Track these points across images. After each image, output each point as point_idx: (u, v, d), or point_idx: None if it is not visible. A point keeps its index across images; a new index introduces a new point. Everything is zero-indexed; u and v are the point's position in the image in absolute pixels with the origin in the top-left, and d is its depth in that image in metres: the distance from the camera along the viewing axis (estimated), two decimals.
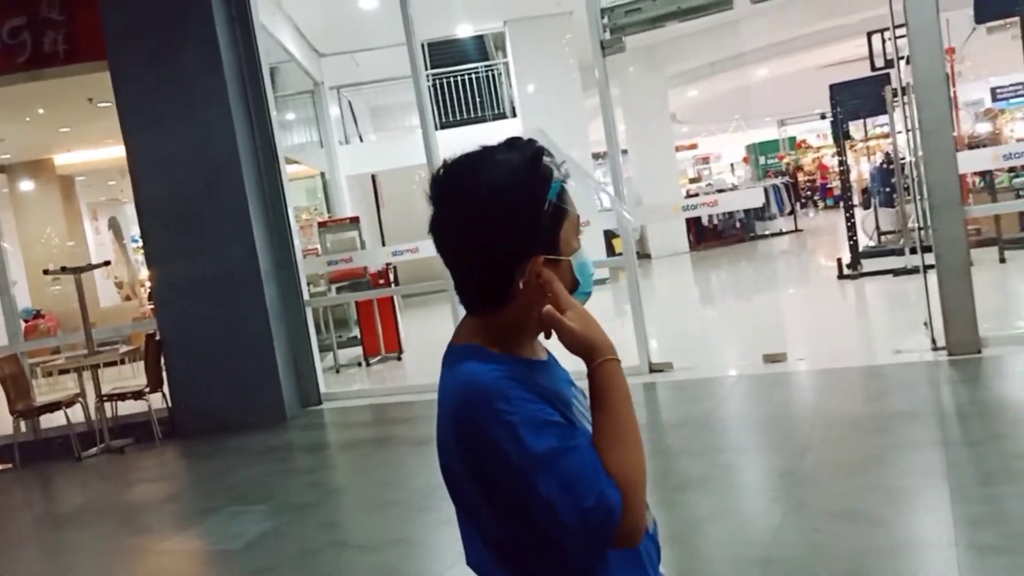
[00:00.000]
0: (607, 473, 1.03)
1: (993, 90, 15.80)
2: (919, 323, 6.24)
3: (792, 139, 27.73)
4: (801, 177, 24.17)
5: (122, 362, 8.92)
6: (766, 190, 16.84)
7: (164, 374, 7.29)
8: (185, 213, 7.11)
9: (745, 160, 28.16)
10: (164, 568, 4.45)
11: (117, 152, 7.23)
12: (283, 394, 7.18)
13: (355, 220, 9.68)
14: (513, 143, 1.15)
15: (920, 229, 6.58)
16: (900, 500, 3.70)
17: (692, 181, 25.08)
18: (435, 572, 3.65)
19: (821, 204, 24.05)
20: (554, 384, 1.18)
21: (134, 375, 8.33)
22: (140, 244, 7.42)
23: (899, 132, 7.91)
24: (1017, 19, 9.87)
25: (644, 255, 17.22)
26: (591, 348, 1.10)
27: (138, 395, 7.12)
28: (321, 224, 9.67)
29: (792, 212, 18.25)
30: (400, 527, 4.29)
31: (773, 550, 3.36)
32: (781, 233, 17.66)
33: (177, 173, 7.10)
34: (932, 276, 5.86)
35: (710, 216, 16.89)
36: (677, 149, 25.55)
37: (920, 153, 5.74)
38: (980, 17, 10.91)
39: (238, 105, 7.16)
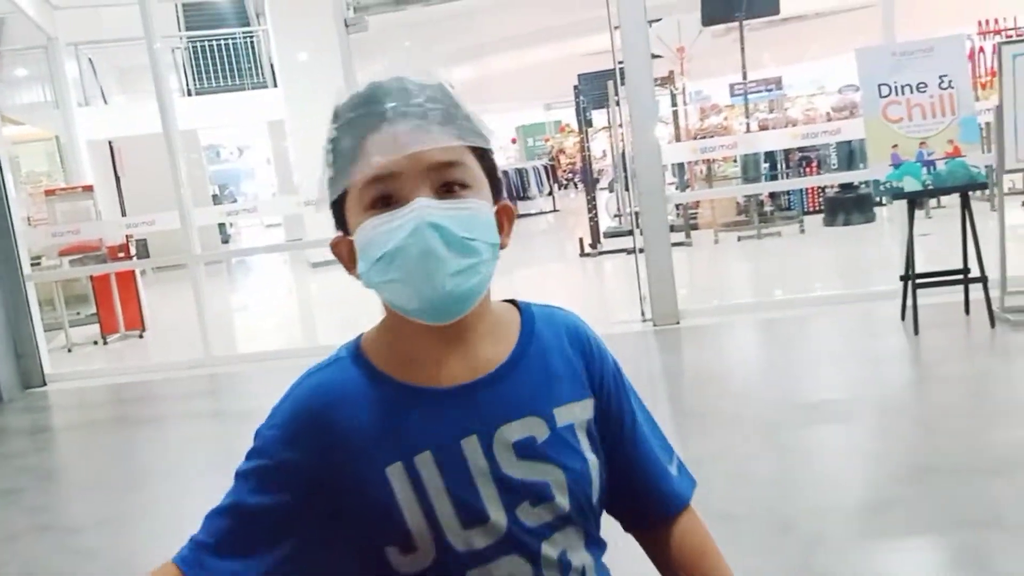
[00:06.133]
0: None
1: (731, 86, 17.48)
2: (637, 297, 6.91)
3: (558, 122, 29.04)
4: (564, 159, 25.44)
5: None
6: (523, 171, 17.60)
7: None
8: None
9: (513, 141, 29.15)
10: None
11: None
12: None
13: (88, 188, 9.08)
14: None
15: (635, 213, 7.25)
16: None
17: None
18: (135, 550, 3.64)
19: (580, 186, 25.47)
20: (405, 430, 0.89)
21: None
22: None
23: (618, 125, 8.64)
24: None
25: None
26: None
27: None
28: (48, 192, 8.98)
29: (551, 193, 19.24)
30: (108, 508, 4.20)
31: None
32: (540, 213, 18.57)
33: None
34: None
35: None
36: None
37: (630, 144, 6.34)
38: (706, 20, 12.06)
39: None
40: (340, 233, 0.91)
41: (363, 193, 0.86)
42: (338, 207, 0.90)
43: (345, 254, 0.90)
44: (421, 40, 16.47)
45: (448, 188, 0.86)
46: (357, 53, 7.45)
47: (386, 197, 0.85)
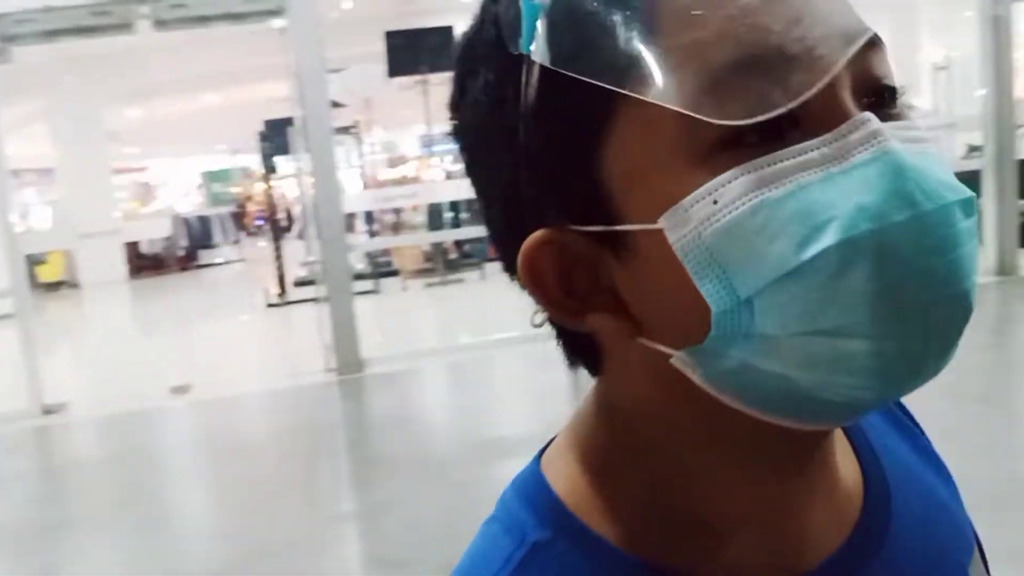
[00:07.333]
0: None
1: (420, 137, 18.03)
2: (322, 347, 6.80)
3: (245, 168, 28.03)
4: (253, 207, 24.62)
5: None
6: (206, 219, 16.81)
7: None
8: None
9: (200, 187, 27.69)
10: None
11: None
12: None
13: None
14: None
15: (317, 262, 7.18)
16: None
17: (143, 206, 23.83)
18: None
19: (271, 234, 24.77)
20: None
21: None
22: None
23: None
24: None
25: (72, 284, 15.87)
26: None
27: None
28: None
29: (237, 241, 18.52)
30: None
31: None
32: (227, 262, 17.74)
33: None
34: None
35: (151, 242, 16.30)
36: (122, 171, 24.08)
37: (312, 193, 6.29)
38: (392, 71, 12.39)
39: None
40: (542, 231, 0.41)
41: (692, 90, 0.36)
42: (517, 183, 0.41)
43: (554, 274, 0.41)
44: (85, 77, 15.18)
45: (876, 100, 0.38)
46: (5, 87, 6.69)
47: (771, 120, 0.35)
